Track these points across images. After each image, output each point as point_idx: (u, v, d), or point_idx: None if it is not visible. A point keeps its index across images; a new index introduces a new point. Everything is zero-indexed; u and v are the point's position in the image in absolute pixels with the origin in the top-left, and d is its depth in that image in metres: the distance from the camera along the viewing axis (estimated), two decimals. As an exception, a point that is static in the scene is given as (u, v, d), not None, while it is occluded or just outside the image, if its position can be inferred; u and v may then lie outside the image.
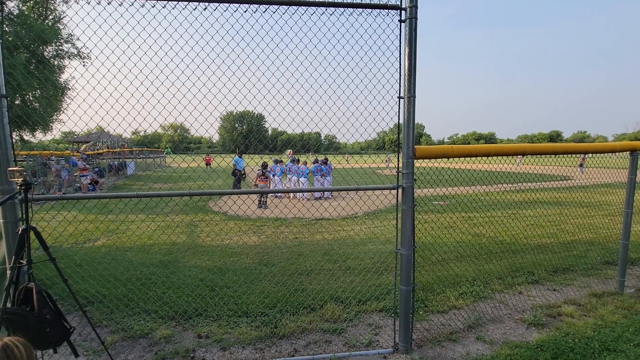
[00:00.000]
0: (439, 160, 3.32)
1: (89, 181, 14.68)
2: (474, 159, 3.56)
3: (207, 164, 22.58)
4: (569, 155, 3.89)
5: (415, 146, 2.91)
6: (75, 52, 19.40)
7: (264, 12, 2.67)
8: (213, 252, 5.89)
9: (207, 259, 5.52)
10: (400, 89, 2.88)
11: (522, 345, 3.19)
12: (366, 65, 2.93)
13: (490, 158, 3.67)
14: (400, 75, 2.87)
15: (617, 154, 4.28)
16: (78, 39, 18.17)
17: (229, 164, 11.74)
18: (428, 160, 3.30)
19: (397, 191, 3.02)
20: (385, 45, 2.88)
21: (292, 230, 7.62)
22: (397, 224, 3.09)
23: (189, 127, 3.03)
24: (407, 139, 2.89)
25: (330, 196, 13.21)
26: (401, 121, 2.91)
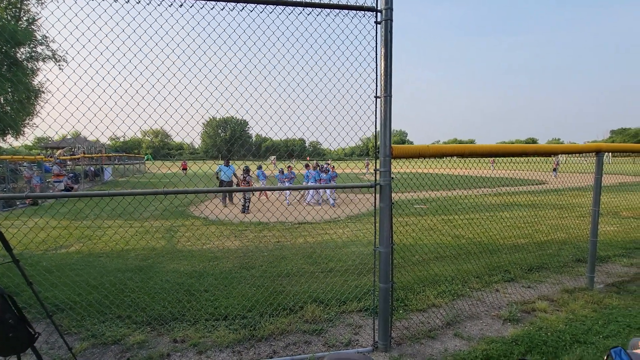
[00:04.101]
0: (420, 164, 3.46)
1: (63, 187, 14.12)
2: (455, 164, 3.74)
3: (183, 169, 22.36)
4: (544, 161, 4.06)
5: (392, 145, 2.97)
6: (50, 55, 18.80)
7: (241, 11, 2.68)
8: (192, 256, 5.76)
9: (186, 263, 5.39)
10: (377, 89, 2.94)
11: (498, 340, 3.26)
12: (343, 65, 2.98)
13: (468, 163, 3.91)
14: (376, 75, 2.93)
15: (588, 160, 4.49)
16: (53, 40, 17.63)
17: (210, 167, 11.45)
18: (410, 164, 3.42)
19: (375, 189, 3.05)
20: (362, 45, 2.94)
21: (274, 234, 7.56)
22: (375, 222, 3.12)
23: (169, 132, 2.95)
24: (384, 138, 2.93)
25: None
26: (378, 120, 2.97)
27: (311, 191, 12.38)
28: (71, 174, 16.84)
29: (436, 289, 4.43)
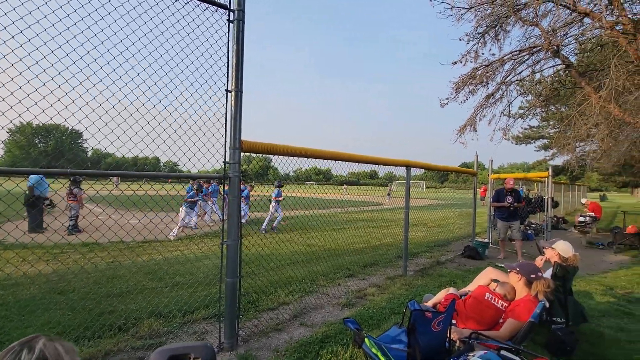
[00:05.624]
0: (286, 189, 3.71)
1: None
2: (315, 190, 4.32)
3: None
4: (382, 189, 4.97)
5: (242, 139, 3.05)
6: None
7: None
8: (-31, 287, 4.16)
9: (-46, 296, 3.84)
10: (227, 83, 3.01)
11: (336, 322, 3.63)
12: (194, 55, 2.92)
13: (326, 189, 4.59)
14: (228, 70, 3.00)
15: (413, 189, 5.75)
16: None
17: (16, 186, 8.56)
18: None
19: (224, 182, 3.03)
20: (214, 39, 2.98)
21: (109, 254, 6.32)
22: (223, 215, 3.07)
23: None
24: (233, 131, 2.99)
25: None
26: (229, 114, 3.01)
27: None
28: None
29: (287, 289, 4.62)
